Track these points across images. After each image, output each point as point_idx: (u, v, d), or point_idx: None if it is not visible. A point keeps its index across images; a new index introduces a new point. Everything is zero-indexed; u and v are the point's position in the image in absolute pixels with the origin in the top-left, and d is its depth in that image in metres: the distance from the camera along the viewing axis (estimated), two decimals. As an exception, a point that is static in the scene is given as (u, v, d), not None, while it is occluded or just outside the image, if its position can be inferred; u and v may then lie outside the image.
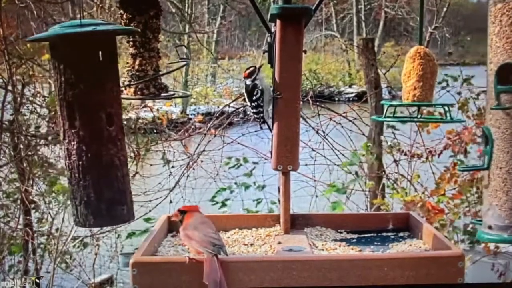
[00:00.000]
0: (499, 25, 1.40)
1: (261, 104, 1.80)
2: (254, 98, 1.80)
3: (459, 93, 3.86)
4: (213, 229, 1.50)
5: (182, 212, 1.57)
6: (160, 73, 1.71)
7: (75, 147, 1.33)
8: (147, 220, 3.53)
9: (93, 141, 1.33)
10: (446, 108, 1.63)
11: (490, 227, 1.43)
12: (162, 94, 1.71)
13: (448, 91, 3.92)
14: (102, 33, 1.32)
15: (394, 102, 1.65)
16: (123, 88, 1.65)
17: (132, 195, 1.43)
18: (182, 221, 1.55)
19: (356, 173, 3.83)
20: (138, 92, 1.67)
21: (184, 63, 1.84)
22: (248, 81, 1.81)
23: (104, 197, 1.35)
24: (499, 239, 1.44)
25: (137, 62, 1.67)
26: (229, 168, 3.97)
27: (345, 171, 3.84)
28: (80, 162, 1.34)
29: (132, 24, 1.64)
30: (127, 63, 1.69)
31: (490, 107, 1.42)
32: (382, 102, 1.91)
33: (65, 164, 1.36)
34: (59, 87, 1.32)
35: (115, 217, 1.37)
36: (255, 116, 1.83)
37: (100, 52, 1.32)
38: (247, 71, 1.82)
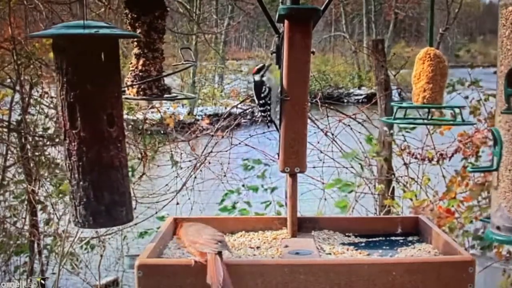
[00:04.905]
0: (510, 28, 1.38)
1: (269, 102, 1.79)
2: (262, 95, 1.79)
3: (466, 97, 3.82)
4: (214, 230, 1.47)
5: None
6: (163, 74, 1.69)
7: (75, 147, 1.33)
8: (161, 218, 3.50)
9: (93, 142, 1.32)
10: (457, 110, 1.61)
11: (498, 228, 1.42)
12: (165, 96, 1.70)
13: (459, 93, 3.88)
14: (104, 37, 1.30)
15: (403, 104, 1.63)
16: (125, 88, 1.64)
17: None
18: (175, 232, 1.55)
19: (361, 165, 3.77)
20: (141, 93, 1.66)
21: (188, 65, 1.82)
22: (257, 77, 1.80)
23: (104, 198, 1.34)
24: (507, 240, 1.43)
25: (140, 62, 1.66)
26: (244, 169, 3.95)
27: (354, 174, 3.81)
28: (80, 163, 1.33)
29: (136, 24, 1.63)
30: (131, 63, 1.68)
31: (500, 110, 1.41)
32: (391, 104, 1.89)
33: (66, 165, 1.36)
34: (61, 87, 1.32)
35: (114, 218, 1.37)
36: (262, 114, 1.81)
37: (102, 54, 1.31)
38: (257, 67, 1.82)
